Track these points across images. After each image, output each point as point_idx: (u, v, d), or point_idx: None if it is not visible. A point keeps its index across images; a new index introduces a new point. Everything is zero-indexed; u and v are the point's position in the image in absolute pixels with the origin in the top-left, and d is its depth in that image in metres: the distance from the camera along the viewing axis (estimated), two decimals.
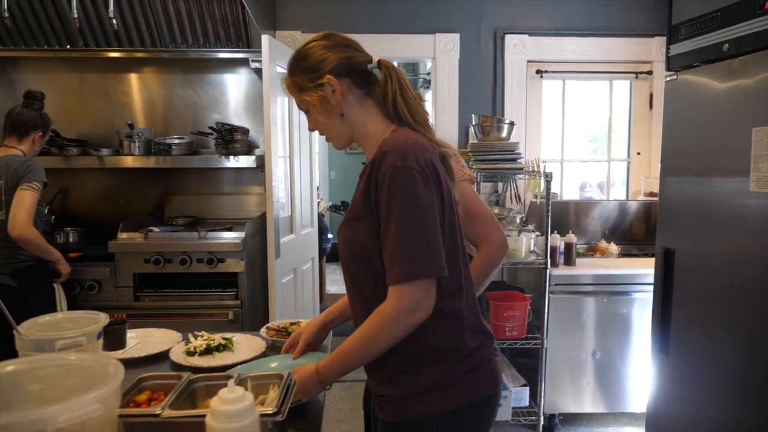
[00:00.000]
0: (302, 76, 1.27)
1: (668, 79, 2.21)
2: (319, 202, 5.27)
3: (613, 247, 3.39)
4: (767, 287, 1.70)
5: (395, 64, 1.31)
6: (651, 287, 2.28)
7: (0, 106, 3.11)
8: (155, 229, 3.05)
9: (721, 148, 1.91)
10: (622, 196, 3.99)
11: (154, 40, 3.22)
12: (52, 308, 2.51)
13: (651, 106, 3.84)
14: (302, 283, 3.46)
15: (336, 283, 6.33)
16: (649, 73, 3.80)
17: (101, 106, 3.51)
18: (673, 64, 2.24)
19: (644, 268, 2.94)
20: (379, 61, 1.27)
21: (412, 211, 1.11)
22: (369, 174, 1.17)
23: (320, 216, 5.32)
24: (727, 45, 1.91)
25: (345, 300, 1.57)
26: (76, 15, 2.75)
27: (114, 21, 2.82)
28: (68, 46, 3.25)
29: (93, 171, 3.47)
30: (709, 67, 2.01)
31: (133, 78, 3.52)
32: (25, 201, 2.41)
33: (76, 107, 3.50)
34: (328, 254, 6.44)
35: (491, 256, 1.70)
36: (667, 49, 2.25)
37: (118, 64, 3.46)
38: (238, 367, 1.49)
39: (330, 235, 5.97)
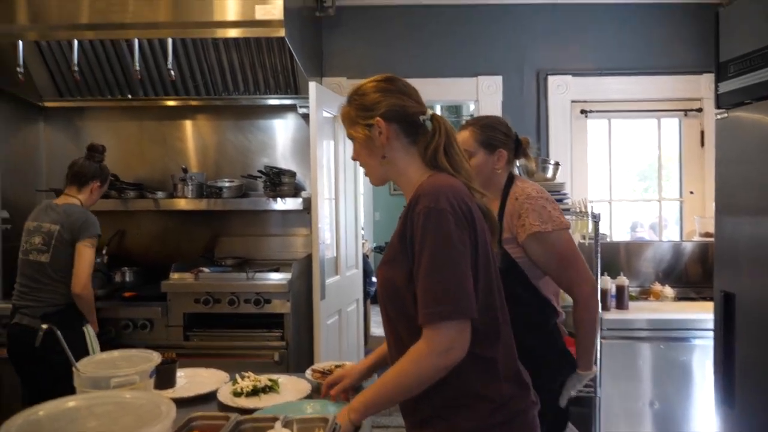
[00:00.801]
0: (356, 111, 1.31)
1: (719, 117, 2.16)
2: (363, 244, 5.30)
3: (668, 290, 3.26)
4: None
5: (438, 107, 1.35)
6: (712, 333, 2.18)
7: (66, 153, 3.32)
8: (205, 269, 3.13)
9: None
10: (676, 237, 3.86)
11: (208, 88, 3.38)
12: (83, 350, 2.51)
13: (702, 144, 3.74)
14: (347, 324, 3.46)
15: (380, 325, 6.28)
16: (699, 110, 3.72)
17: (158, 151, 3.68)
18: (723, 101, 2.19)
19: (703, 313, 2.81)
20: (432, 115, 1.30)
21: (443, 252, 1.13)
22: (405, 216, 1.20)
23: (365, 257, 5.34)
24: None
25: None
26: (138, 67, 2.92)
27: (172, 72, 2.98)
28: (129, 96, 3.45)
29: (148, 213, 3.61)
30: (761, 104, 1.96)
31: (188, 124, 3.69)
32: (86, 259, 2.55)
33: (135, 153, 3.68)
34: (372, 296, 6.42)
35: (585, 300, 1.77)
36: (716, 86, 2.22)
37: (174, 111, 3.64)
38: (271, 407, 1.48)
39: (374, 278, 5.97)
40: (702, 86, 3.65)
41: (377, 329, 6.08)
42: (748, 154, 2.00)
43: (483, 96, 3.70)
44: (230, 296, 2.98)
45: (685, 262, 3.52)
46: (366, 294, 5.15)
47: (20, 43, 2.85)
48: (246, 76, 3.31)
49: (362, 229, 4.99)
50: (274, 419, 1.19)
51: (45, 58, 3.19)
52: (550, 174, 3.23)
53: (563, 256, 1.75)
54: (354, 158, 1.37)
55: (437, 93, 3.71)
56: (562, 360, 1.85)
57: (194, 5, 2.76)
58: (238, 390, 1.65)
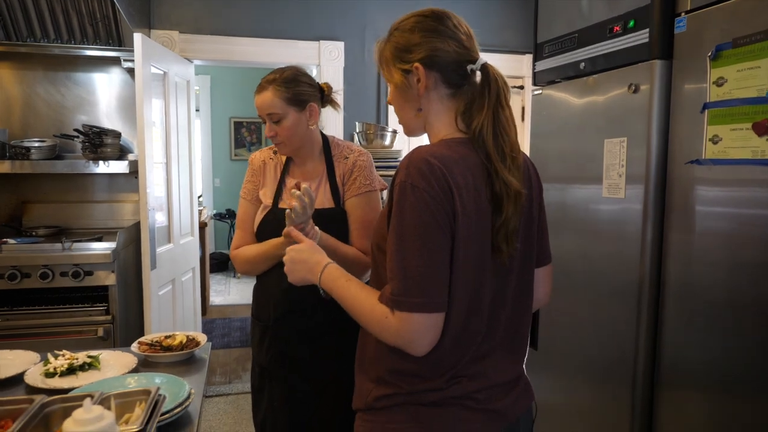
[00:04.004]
0: (392, 51, 1.12)
1: (534, 93, 2.38)
2: (201, 211, 5.07)
3: None
4: (618, 281, 1.88)
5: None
6: None
7: None
8: (11, 240, 2.76)
9: (579, 158, 2.09)
10: None
11: (8, 32, 2.93)
12: None
13: (523, 119, 4.11)
14: (182, 294, 3.30)
15: (221, 294, 6.10)
16: (521, 87, 4.07)
17: None
18: (538, 79, 2.42)
19: None
20: (483, 65, 1.12)
21: (415, 236, 0.98)
22: (394, 178, 1.04)
23: (203, 225, 5.12)
24: (583, 64, 2.10)
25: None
26: None
27: None
28: None
29: None
30: (568, 83, 2.19)
31: None
32: None
33: None
34: (212, 264, 6.20)
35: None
36: (534, 65, 2.43)
37: None
38: (88, 385, 1.39)
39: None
40: (524, 65, 3.99)
41: (217, 298, 5.89)
42: (556, 128, 2.24)
43: (325, 61, 3.67)
44: (43, 269, 2.67)
45: None
46: (204, 262, 4.96)
47: None
48: (57, 21, 2.92)
49: (200, 196, 4.74)
50: (87, 397, 1.09)
51: None
52: (387, 141, 3.34)
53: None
54: (390, 102, 1.19)
55: (278, 55, 3.61)
56: None
57: None
58: (51, 370, 1.50)
